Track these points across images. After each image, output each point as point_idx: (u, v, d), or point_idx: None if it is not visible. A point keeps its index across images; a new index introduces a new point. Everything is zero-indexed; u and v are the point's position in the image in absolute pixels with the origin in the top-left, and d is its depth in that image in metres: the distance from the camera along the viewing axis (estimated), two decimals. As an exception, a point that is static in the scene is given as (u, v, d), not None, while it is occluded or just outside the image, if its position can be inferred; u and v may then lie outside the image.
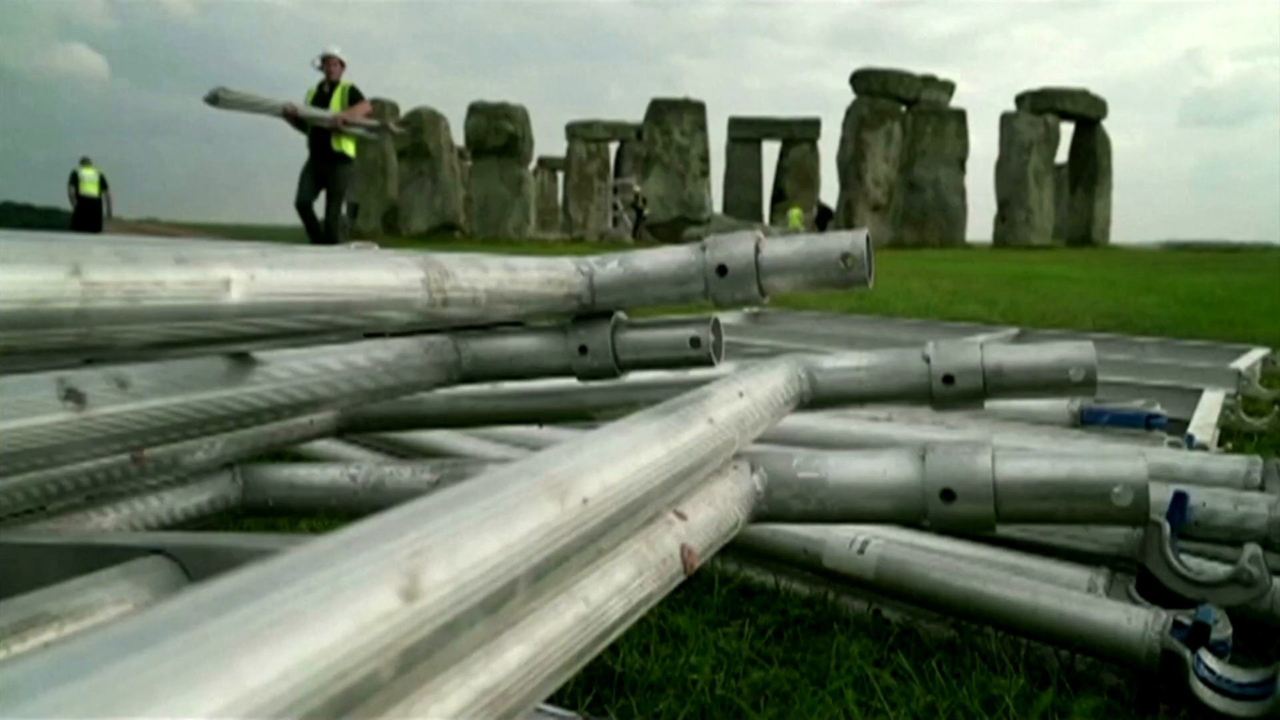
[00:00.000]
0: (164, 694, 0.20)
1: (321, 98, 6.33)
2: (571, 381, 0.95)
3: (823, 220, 23.04)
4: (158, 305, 0.45)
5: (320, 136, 6.16)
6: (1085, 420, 1.50)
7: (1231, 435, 1.85)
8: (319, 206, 6.35)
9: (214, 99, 5.52)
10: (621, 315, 0.90)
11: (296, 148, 6.28)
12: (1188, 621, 0.78)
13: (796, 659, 0.89)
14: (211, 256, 0.49)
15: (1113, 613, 0.81)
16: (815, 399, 0.86)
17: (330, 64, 6.40)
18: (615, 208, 24.57)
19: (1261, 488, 1.08)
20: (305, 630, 0.24)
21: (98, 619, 0.52)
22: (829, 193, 25.91)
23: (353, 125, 6.24)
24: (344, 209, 6.30)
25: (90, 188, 13.51)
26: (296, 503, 0.98)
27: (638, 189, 23.85)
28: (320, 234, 6.16)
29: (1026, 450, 0.68)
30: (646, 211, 22.76)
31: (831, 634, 0.93)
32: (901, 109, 24.19)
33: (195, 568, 0.58)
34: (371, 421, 1.14)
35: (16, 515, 0.74)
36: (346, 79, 6.40)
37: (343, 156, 6.18)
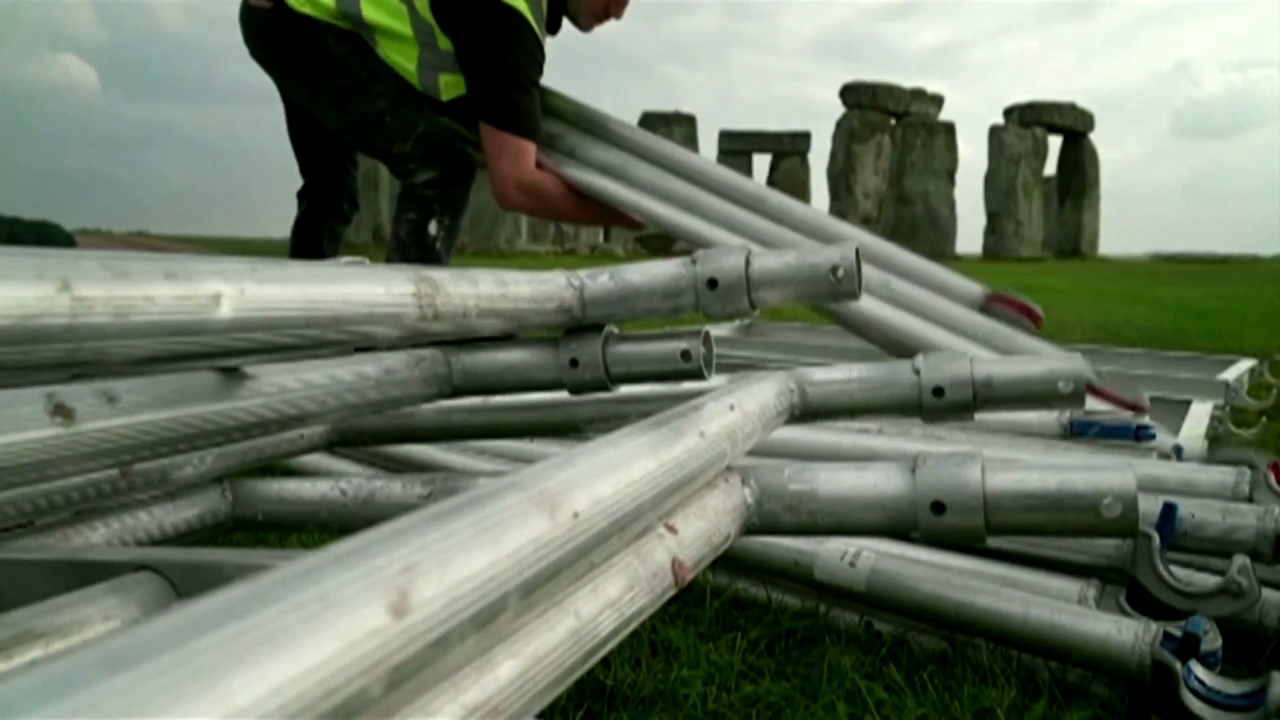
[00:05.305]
0: (152, 712, 0.19)
1: None
2: (563, 395, 0.95)
3: (814, 232, 23.15)
4: (147, 320, 0.45)
5: None
6: (1074, 432, 1.51)
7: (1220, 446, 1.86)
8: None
9: None
10: (612, 328, 0.90)
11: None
12: (1178, 633, 0.78)
13: (789, 672, 0.88)
14: (201, 271, 0.49)
15: (1103, 624, 0.81)
16: (806, 411, 0.86)
17: None
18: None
19: (1250, 499, 1.08)
20: (294, 647, 0.23)
21: (85, 636, 0.52)
22: (819, 205, 26.06)
23: None
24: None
25: None
26: (286, 517, 0.98)
27: None
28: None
29: (1016, 462, 0.68)
30: None
31: (823, 647, 0.93)
32: (891, 122, 24.33)
33: (184, 584, 0.58)
34: (363, 435, 1.13)
35: (3, 531, 0.74)
36: None
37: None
